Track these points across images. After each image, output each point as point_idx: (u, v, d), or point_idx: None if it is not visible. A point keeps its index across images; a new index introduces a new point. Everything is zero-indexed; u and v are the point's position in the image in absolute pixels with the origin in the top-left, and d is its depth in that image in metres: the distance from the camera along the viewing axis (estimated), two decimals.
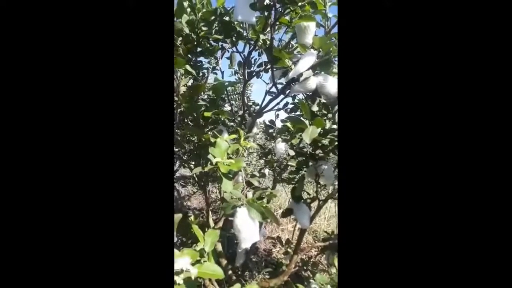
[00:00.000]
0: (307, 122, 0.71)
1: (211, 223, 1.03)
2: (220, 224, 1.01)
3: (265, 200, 0.73)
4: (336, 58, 0.93)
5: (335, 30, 0.98)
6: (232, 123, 1.14)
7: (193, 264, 0.47)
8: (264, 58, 1.07)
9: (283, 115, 1.28)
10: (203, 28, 0.76)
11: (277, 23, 0.76)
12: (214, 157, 0.60)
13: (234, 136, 0.77)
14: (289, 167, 1.07)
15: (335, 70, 0.93)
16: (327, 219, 2.35)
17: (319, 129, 0.70)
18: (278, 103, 1.10)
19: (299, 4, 0.66)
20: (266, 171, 1.44)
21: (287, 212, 1.00)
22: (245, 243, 0.59)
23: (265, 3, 0.64)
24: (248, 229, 0.58)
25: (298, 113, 1.15)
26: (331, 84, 0.83)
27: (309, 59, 0.72)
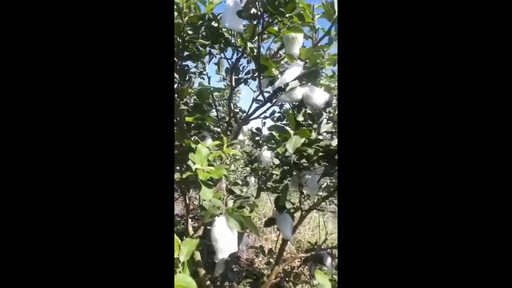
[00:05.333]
0: (291, 131, 0.71)
1: (190, 231, 1.00)
2: (200, 232, 0.98)
3: (247, 210, 0.71)
4: (323, 70, 0.95)
5: (324, 41, 1.00)
6: (218, 129, 1.12)
7: None
8: (252, 65, 1.08)
9: (271, 123, 1.28)
10: (189, 32, 0.75)
11: (265, 32, 0.77)
12: (194, 163, 0.58)
13: (218, 142, 0.75)
14: (274, 175, 1.06)
15: (322, 81, 0.94)
16: (312, 229, 2.35)
17: (303, 139, 0.70)
18: (265, 111, 1.10)
19: (287, 15, 0.67)
20: (252, 179, 1.42)
21: (269, 222, 0.99)
22: (222, 254, 0.57)
23: (252, 12, 0.65)
24: (226, 239, 0.57)
25: (285, 122, 1.16)
26: (317, 95, 0.84)
27: (295, 70, 0.73)
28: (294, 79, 0.81)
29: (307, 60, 0.77)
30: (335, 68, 1.03)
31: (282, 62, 0.87)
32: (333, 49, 1.04)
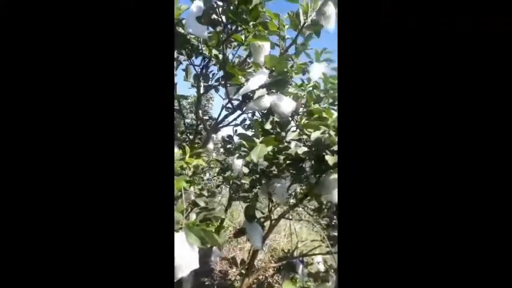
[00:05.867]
0: (257, 140, 0.70)
1: None
2: None
3: (211, 222, 0.68)
4: (292, 78, 0.96)
5: (291, 51, 1.02)
6: (185, 137, 1.08)
7: None
8: (222, 72, 1.06)
9: (243, 131, 1.26)
10: None
11: (232, 39, 0.76)
12: None
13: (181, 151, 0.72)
14: (244, 184, 1.04)
15: (290, 90, 0.95)
16: (287, 236, 2.34)
17: (270, 148, 0.69)
18: (235, 119, 1.08)
19: (251, 23, 0.66)
20: (224, 188, 1.39)
21: (239, 232, 0.96)
22: (182, 272, 0.53)
23: (212, 18, 0.64)
24: (185, 256, 0.53)
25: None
26: (284, 104, 0.85)
27: (260, 78, 0.72)
28: (260, 87, 0.81)
29: (274, 68, 0.77)
30: (305, 77, 1.06)
31: (250, 70, 0.87)
32: (302, 58, 1.06)
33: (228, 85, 0.84)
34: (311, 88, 1.02)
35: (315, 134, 0.66)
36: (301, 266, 1.23)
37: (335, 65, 1.06)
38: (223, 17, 0.64)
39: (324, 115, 0.68)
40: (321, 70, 1.05)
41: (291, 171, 0.83)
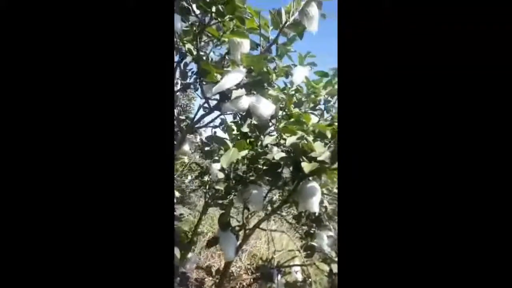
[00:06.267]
0: (231, 144, 0.65)
1: None
2: None
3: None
4: (274, 81, 0.92)
5: (274, 53, 0.98)
6: None
7: None
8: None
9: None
10: None
11: (208, 34, 0.71)
12: None
13: None
14: (220, 190, 0.98)
15: (271, 92, 0.91)
16: (268, 242, 2.29)
17: (243, 152, 0.64)
18: (213, 120, 1.03)
19: (227, 17, 0.62)
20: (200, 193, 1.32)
21: (212, 242, 0.90)
22: None
23: (183, 5, 0.58)
24: None
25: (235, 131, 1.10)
26: (263, 106, 0.80)
27: (234, 76, 0.67)
28: (238, 87, 0.76)
29: (253, 68, 0.73)
30: (288, 80, 1.02)
31: (228, 68, 0.82)
32: (285, 61, 1.03)
33: (204, 83, 0.78)
34: (293, 92, 0.99)
35: (291, 139, 0.62)
36: (278, 276, 1.18)
37: (318, 69, 1.04)
38: (194, 6, 0.58)
39: (303, 119, 0.64)
40: (305, 74, 1.02)
41: (267, 178, 0.78)
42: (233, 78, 0.66)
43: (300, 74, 1.01)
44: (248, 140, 0.87)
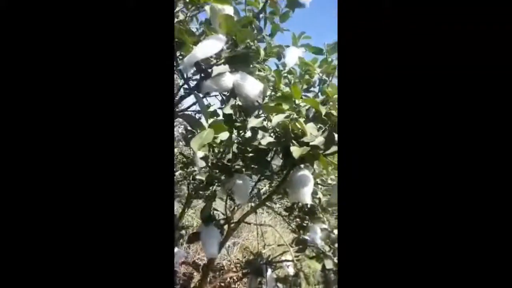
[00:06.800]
0: (206, 124, 0.55)
1: None
2: None
3: None
4: (261, 56, 0.82)
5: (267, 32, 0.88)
6: None
7: None
8: None
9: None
10: None
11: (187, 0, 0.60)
12: None
13: None
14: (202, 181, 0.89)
15: (260, 73, 0.81)
16: (257, 236, 2.23)
17: (222, 136, 0.54)
18: (194, 103, 0.92)
19: None
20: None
21: (193, 237, 0.81)
22: None
23: None
24: None
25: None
26: (249, 85, 0.70)
27: (211, 44, 0.56)
28: (219, 61, 0.65)
29: (235, 38, 0.62)
30: (280, 62, 0.93)
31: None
32: (277, 39, 0.93)
33: (180, 57, 0.68)
34: (285, 75, 0.89)
35: (277, 118, 0.52)
36: (269, 271, 1.12)
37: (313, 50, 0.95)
38: None
39: (292, 94, 0.54)
40: (298, 55, 0.93)
41: (252, 166, 0.69)
42: (208, 46, 0.56)
43: (293, 56, 0.91)
44: (235, 125, 0.78)
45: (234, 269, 1.41)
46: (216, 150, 0.90)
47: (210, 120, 0.61)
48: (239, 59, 0.67)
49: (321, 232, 1.03)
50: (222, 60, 0.69)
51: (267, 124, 0.65)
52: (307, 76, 0.90)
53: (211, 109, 0.95)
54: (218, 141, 0.53)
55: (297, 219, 1.05)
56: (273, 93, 0.75)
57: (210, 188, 0.78)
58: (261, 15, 0.84)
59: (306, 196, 0.62)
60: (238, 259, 1.82)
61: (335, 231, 0.97)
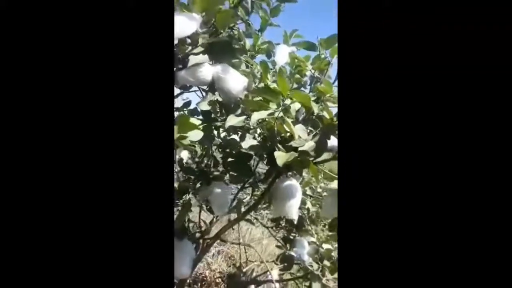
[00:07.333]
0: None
1: None
2: None
3: None
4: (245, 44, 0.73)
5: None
6: None
7: None
8: None
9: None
10: None
11: None
12: None
13: None
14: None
15: (246, 69, 0.72)
16: (249, 241, 2.12)
17: (192, 136, 0.44)
18: (176, 95, 0.82)
19: None
20: None
21: None
22: None
23: None
24: None
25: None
26: (232, 79, 0.61)
27: (181, 22, 0.47)
28: (196, 50, 0.55)
29: (215, 23, 0.53)
30: (269, 60, 0.84)
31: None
32: (268, 37, 0.85)
33: None
34: (274, 72, 0.81)
35: (258, 115, 0.43)
36: (251, 287, 1.02)
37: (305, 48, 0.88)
38: None
39: (276, 88, 0.45)
40: (288, 52, 0.85)
41: (231, 173, 0.59)
42: (177, 25, 0.46)
43: (284, 54, 0.83)
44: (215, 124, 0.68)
45: (217, 281, 1.30)
46: (192, 153, 0.80)
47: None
48: (220, 48, 0.57)
49: (309, 246, 0.94)
50: (200, 49, 0.59)
51: (250, 123, 0.56)
52: (297, 75, 0.82)
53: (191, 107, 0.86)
54: (186, 141, 0.43)
55: (284, 231, 0.96)
56: (257, 86, 0.66)
57: (184, 197, 0.67)
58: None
59: (292, 210, 0.53)
60: (222, 270, 1.70)
61: (324, 246, 0.88)
